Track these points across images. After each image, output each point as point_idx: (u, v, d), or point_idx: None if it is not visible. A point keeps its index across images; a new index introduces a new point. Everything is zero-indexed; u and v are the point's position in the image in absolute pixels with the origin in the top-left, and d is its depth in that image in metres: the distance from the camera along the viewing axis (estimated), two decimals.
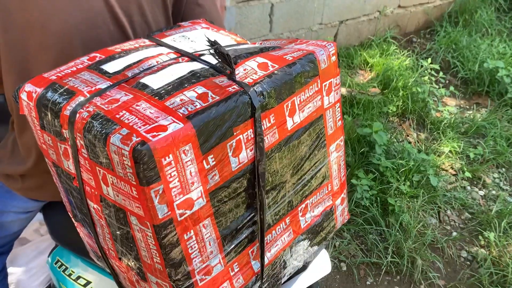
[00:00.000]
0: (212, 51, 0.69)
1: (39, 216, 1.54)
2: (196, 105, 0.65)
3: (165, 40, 0.90)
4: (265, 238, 0.79)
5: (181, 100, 0.67)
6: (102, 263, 0.91)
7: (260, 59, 0.76)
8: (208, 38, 0.75)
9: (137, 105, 0.66)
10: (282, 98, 0.73)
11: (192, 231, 0.67)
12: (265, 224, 0.76)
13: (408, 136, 2.82)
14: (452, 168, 2.69)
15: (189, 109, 0.64)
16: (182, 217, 0.65)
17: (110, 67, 0.79)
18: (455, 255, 2.23)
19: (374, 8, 3.47)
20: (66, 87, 0.75)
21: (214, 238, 0.71)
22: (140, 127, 0.61)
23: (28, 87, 0.79)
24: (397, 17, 3.77)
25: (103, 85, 0.74)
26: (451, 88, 3.14)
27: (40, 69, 0.94)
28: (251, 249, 0.77)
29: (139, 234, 0.67)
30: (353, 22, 3.36)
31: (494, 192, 2.59)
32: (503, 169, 2.73)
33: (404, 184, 2.37)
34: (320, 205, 0.89)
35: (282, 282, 0.87)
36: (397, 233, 2.19)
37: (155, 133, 0.60)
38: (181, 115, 0.63)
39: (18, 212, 1.23)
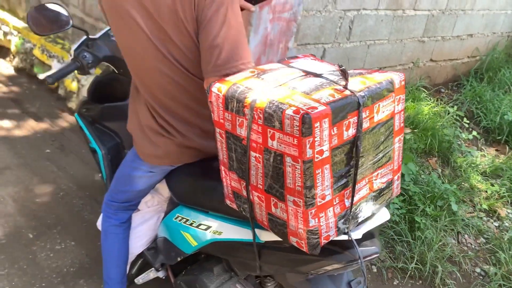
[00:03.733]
0: (341, 69, 1.27)
1: (152, 192, 2.10)
2: (330, 99, 1.22)
3: (292, 64, 1.49)
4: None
5: (320, 96, 1.24)
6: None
7: (360, 79, 1.34)
8: (338, 63, 1.33)
9: (295, 96, 1.24)
10: (373, 101, 1.30)
11: (320, 169, 1.23)
12: (357, 177, 1.31)
13: (433, 170, 3.36)
14: (471, 201, 3.21)
15: (327, 100, 1.22)
16: (317, 160, 1.21)
17: (267, 77, 1.38)
18: (470, 270, 2.72)
19: (409, 59, 4.09)
20: (245, 86, 1.33)
21: (329, 177, 1.26)
22: (302, 107, 1.18)
23: (217, 85, 1.38)
24: (429, 69, 4.39)
25: (266, 87, 1.32)
26: (474, 133, 3.70)
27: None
28: (346, 191, 1.32)
29: (290, 169, 1.23)
30: (390, 70, 3.96)
31: (507, 224, 3.08)
32: None
33: (429, 207, 2.89)
34: (385, 176, 1.45)
35: (358, 222, 1.41)
36: (421, 246, 2.69)
37: (311, 110, 1.17)
38: (323, 102, 1.20)
39: (145, 171, 1.81)
